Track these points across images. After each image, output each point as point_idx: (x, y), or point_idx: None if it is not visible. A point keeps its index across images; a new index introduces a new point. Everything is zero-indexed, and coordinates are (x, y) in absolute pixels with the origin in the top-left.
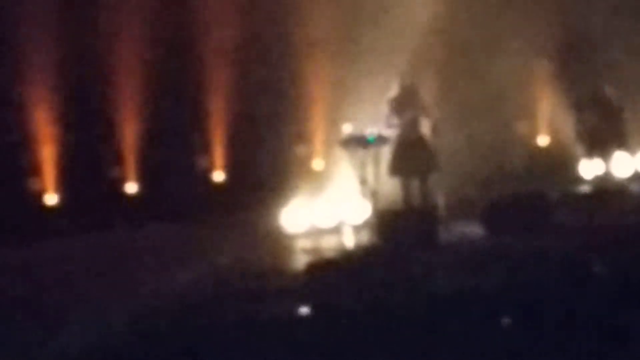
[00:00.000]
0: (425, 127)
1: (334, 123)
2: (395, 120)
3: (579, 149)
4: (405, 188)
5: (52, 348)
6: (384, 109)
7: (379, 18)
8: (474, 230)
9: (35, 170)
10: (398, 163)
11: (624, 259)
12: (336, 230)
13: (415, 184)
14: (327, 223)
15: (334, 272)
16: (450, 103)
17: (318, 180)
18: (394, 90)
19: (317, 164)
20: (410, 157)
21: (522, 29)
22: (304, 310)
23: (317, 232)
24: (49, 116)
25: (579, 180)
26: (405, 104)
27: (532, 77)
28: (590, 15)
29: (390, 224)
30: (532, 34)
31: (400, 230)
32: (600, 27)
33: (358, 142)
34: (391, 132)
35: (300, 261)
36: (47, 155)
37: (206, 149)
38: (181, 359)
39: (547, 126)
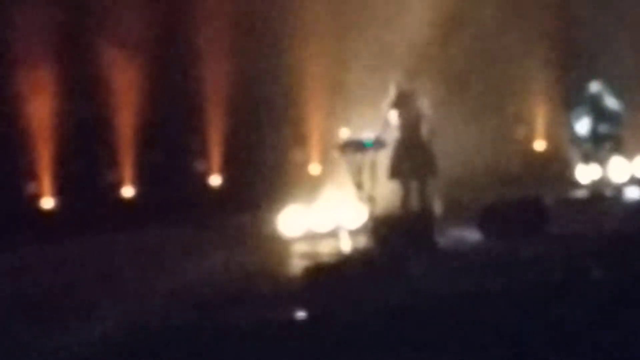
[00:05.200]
0: (423, 131)
1: (331, 127)
2: (393, 124)
3: (575, 153)
4: (405, 191)
5: (50, 350)
6: (382, 113)
7: (377, 22)
8: (471, 234)
9: (32, 174)
10: (397, 167)
11: (620, 264)
12: (333, 234)
13: (414, 187)
14: (324, 227)
15: (330, 276)
16: (447, 107)
17: (315, 184)
18: (391, 94)
19: (314, 168)
20: (410, 160)
21: (521, 34)
22: (301, 314)
23: (314, 237)
24: (46, 120)
25: (576, 185)
26: (403, 108)
27: (530, 82)
28: (588, 21)
29: (387, 229)
30: (531, 39)
31: (396, 234)
32: (599, 32)
33: (355, 147)
34: (389, 136)
35: (297, 266)
36: (44, 159)
37: (203, 152)
38: None
39: (544, 131)
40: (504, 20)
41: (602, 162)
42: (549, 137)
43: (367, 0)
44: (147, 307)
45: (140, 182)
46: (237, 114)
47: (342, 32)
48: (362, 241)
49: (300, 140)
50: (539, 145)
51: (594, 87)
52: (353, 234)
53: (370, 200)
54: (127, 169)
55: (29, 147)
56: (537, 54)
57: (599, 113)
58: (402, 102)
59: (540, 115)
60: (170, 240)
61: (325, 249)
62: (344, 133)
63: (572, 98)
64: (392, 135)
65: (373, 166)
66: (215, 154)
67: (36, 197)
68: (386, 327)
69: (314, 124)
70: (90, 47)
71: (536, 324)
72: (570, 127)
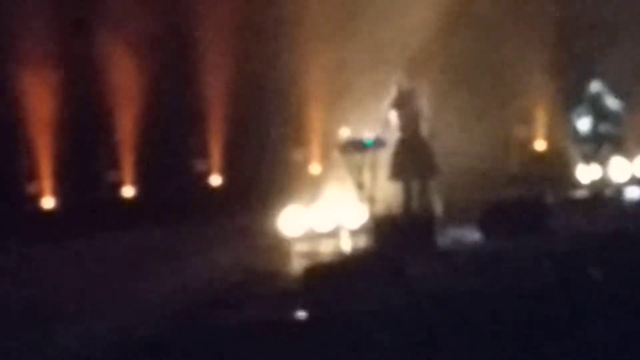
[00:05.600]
0: (424, 131)
1: (331, 127)
2: (393, 124)
3: (576, 153)
4: (406, 192)
5: (50, 350)
6: (382, 112)
7: (377, 21)
8: (471, 234)
9: (32, 173)
10: (398, 167)
11: (620, 263)
12: (333, 234)
13: (414, 187)
14: (325, 227)
15: (331, 276)
16: (448, 107)
17: (315, 184)
18: (392, 94)
19: (314, 168)
20: (410, 160)
21: (521, 33)
22: (301, 314)
23: (315, 236)
24: (46, 120)
25: (576, 185)
26: (403, 108)
27: (530, 81)
28: (589, 20)
29: (387, 229)
30: (531, 38)
31: (397, 234)
32: (600, 31)
33: (355, 146)
34: (389, 136)
35: (298, 265)
36: (45, 158)
37: (204, 152)
38: None
39: (544, 131)
40: (504, 19)
41: (602, 162)
42: (550, 137)
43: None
44: (147, 306)
45: (140, 182)
46: (237, 114)
47: (342, 32)
48: (363, 241)
49: (301, 139)
50: (540, 145)
51: (595, 86)
52: (353, 233)
53: (371, 200)
54: (128, 168)
55: (30, 147)
56: (537, 54)
57: (600, 113)
58: (403, 101)
59: (541, 115)
60: (170, 240)
61: (326, 249)
62: (344, 133)
63: (572, 98)
64: (393, 135)
65: (373, 166)
66: (216, 153)
67: (37, 196)
68: (386, 327)
69: (315, 124)
70: (91, 47)
71: (536, 323)
72: (571, 127)
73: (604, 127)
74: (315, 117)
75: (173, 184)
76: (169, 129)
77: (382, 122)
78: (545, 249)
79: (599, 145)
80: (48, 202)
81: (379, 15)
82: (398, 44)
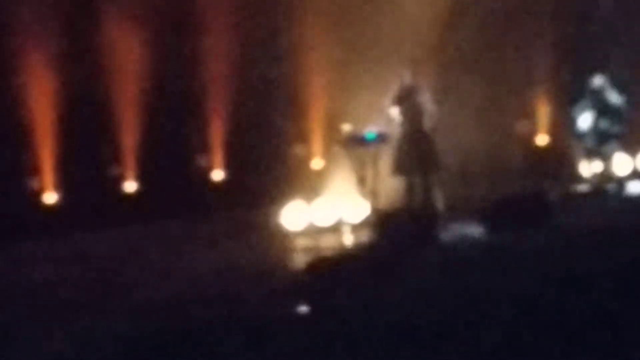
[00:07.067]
0: (426, 126)
1: (333, 122)
2: (395, 119)
3: (577, 148)
4: (408, 187)
5: (51, 348)
6: (384, 108)
7: (379, 17)
8: (473, 229)
9: (34, 168)
10: (400, 162)
11: (623, 258)
12: (335, 229)
13: (417, 182)
14: (326, 222)
15: (332, 271)
16: (450, 102)
17: (317, 179)
18: (394, 89)
19: (316, 163)
20: (413, 156)
21: (523, 28)
22: (303, 309)
23: (316, 231)
24: (48, 114)
25: (578, 179)
26: (406, 103)
27: (532, 76)
28: (592, 14)
29: (389, 223)
30: (533, 33)
31: (399, 229)
32: (602, 25)
33: (357, 141)
34: (391, 131)
35: (299, 260)
36: (47, 153)
37: (206, 147)
38: (178, 358)
39: (546, 125)
40: (506, 13)
41: (604, 156)
42: (552, 132)
43: None
44: (150, 301)
45: (143, 177)
46: (239, 109)
47: (344, 26)
48: (364, 236)
49: (303, 134)
50: (541, 139)
51: (597, 81)
52: (355, 228)
53: (373, 194)
54: (130, 163)
55: (31, 142)
56: (539, 48)
57: (602, 107)
58: (405, 96)
59: (543, 110)
60: (172, 235)
61: (328, 244)
62: (347, 128)
63: (574, 92)
64: (395, 130)
65: (375, 161)
66: (218, 148)
67: (39, 192)
68: (388, 322)
69: (317, 119)
70: (93, 42)
71: (539, 318)
72: (573, 122)
73: (605, 122)
74: (317, 112)
75: (175, 179)
76: (171, 124)
77: (384, 117)
78: (548, 244)
79: (601, 140)
80: (50, 197)
81: (381, 10)
82: (400, 39)
